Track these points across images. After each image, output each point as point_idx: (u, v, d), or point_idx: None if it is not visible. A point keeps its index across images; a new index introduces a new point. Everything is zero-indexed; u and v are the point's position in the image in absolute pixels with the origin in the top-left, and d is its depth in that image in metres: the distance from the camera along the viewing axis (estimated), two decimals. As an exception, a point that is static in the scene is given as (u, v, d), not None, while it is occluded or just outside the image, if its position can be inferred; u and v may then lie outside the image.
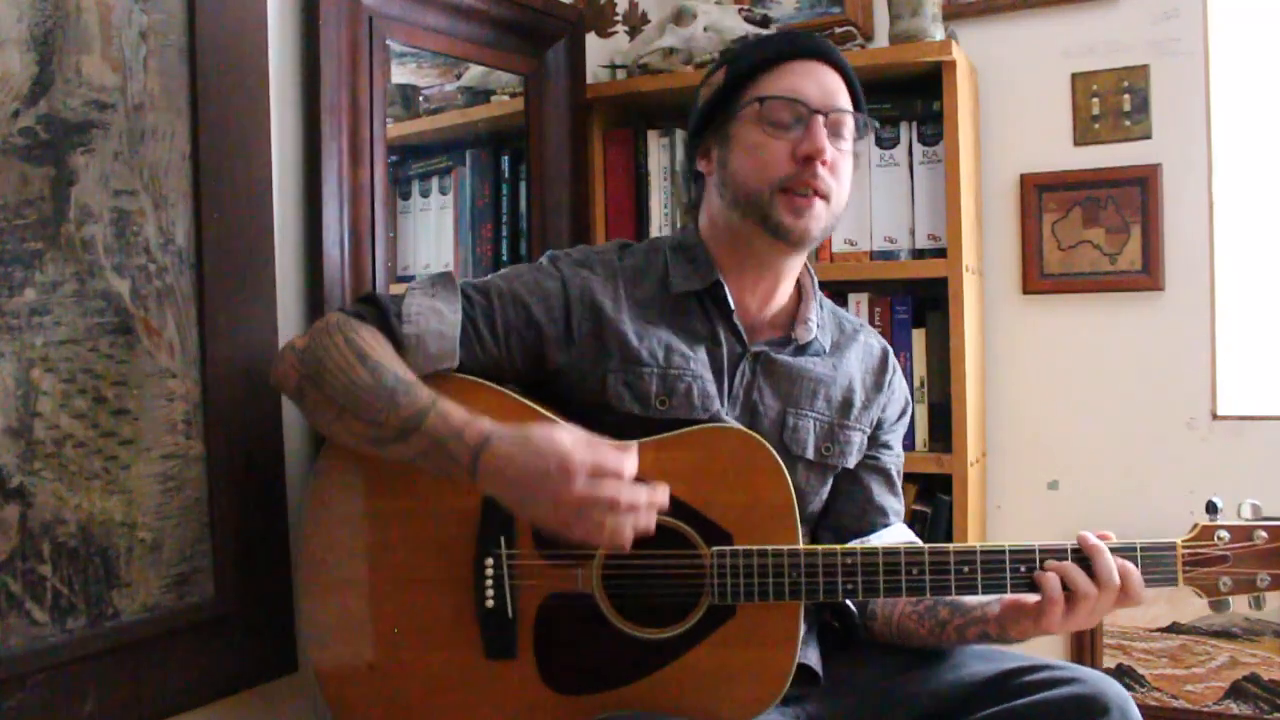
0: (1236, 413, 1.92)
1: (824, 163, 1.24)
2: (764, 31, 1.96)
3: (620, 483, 1.05)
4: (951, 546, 1.16)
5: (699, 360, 1.28)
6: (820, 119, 1.25)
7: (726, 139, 1.30)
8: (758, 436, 1.21)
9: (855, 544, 1.25)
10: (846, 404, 1.35)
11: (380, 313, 1.23)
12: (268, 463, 1.40)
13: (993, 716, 1.16)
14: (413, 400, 1.13)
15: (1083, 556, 1.14)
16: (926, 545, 1.18)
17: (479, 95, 1.91)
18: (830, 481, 1.36)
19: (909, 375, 1.89)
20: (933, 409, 1.89)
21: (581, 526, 1.05)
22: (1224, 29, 1.91)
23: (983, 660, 1.24)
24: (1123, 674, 1.97)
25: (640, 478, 1.10)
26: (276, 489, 1.41)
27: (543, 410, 1.23)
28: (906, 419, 1.45)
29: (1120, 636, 1.98)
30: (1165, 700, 1.94)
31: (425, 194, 1.86)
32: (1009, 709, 1.15)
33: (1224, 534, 1.13)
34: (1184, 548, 1.14)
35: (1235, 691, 1.89)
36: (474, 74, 1.87)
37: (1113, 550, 1.13)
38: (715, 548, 1.18)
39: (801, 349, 1.34)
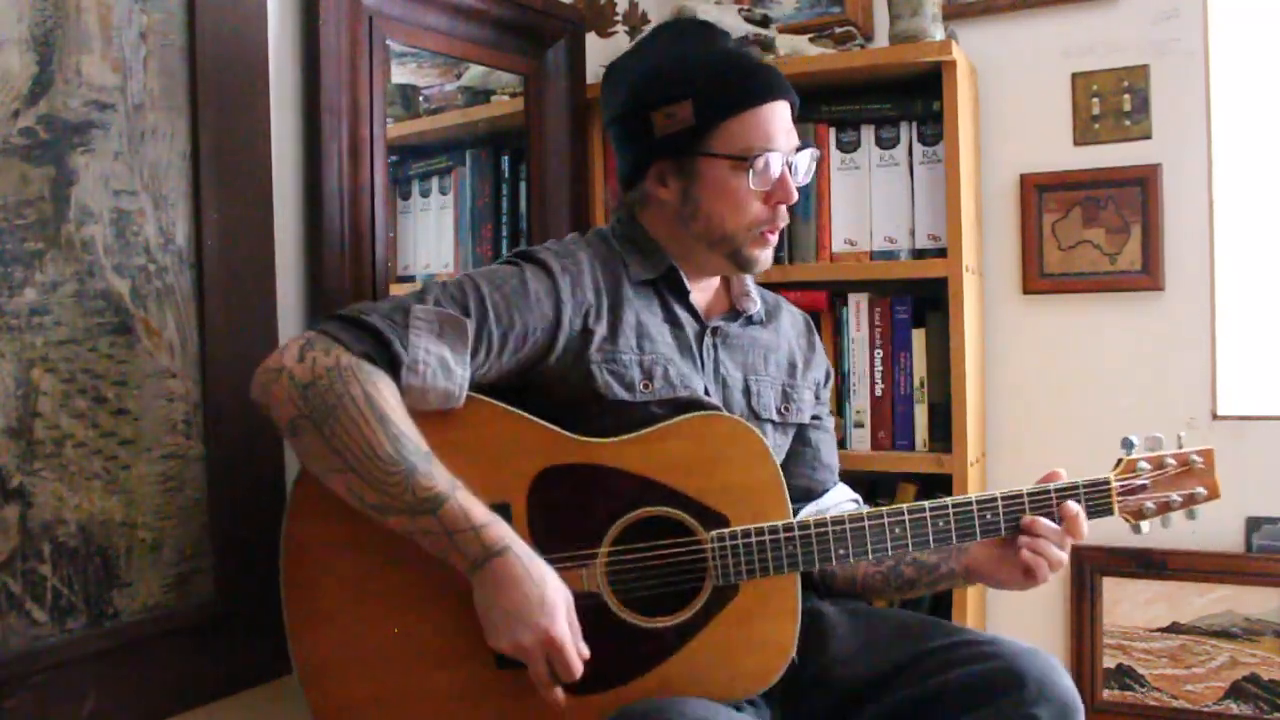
0: (1236, 413, 1.92)
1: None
2: (764, 32, 1.96)
3: (569, 672, 1.14)
4: (926, 503, 1.26)
5: (666, 343, 1.33)
6: (787, 164, 1.33)
7: (693, 174, 1.32)
8: (742, 421, 1.28)
9: (813, 508, 1.42)
10: (792, 366, 1.46)
11: (389, 356, 1.15)
12: (268, 463, 1.40)
13: (911, 698, 1.23)
14: (433, 482, 1.12)
15: (1044, 498, 1.26)
16: (905, 505, 1.26)
17: (479, 95, 1.91)
18: (790, 440, 1.45)
19: (909, 375, 1.89)
20: (933, 409, 1.89)
21: (520, 660, 1.15)
22: (1224, 29, 1.91)
23: (905, 637, 1.30)
24: (1123, 674, 1.97)
25: (637, 475, 1.22)
26: (276, 489, 1.41)
27: (540, 421, 1.23)
28: (832, 380, 1.58)
29: (1120, 636, 1.98)
30: (1165, 700, 1.94)
31: (425, 194, 1.86)
32: (927, 687, 1.22)
33: (1145, 464, 1.29)
34: (1116, 480, 1.28)
35: (1235, 691, 1.89)
36: (474, 74, 1.87)
37: (1058, 490, 1.26)
38: (714, 531, 1.22)
39: (748, 321, 1.43)
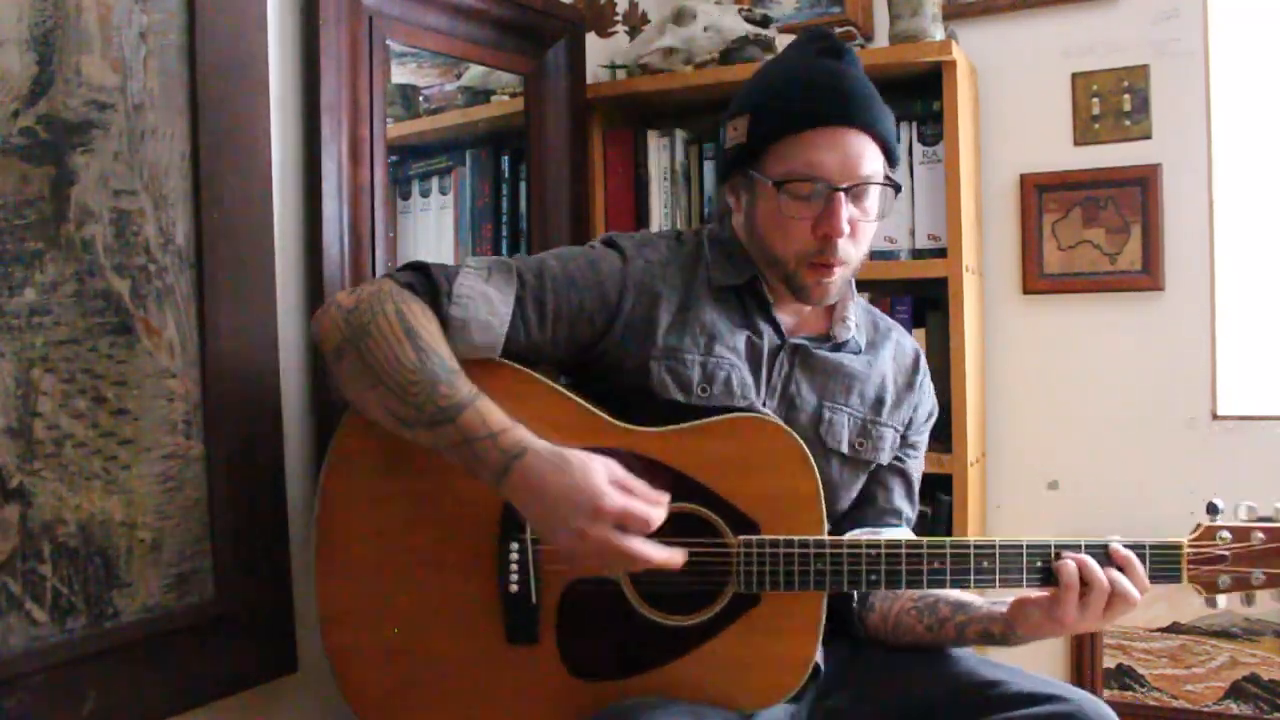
0: (1236, 413, 1.92)
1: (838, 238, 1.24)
2: (764, 33, 1.96)
3: (643, 541, 1.08)
4: (971, 540, 1.19)
5: (737, 350, 1.29)
6: (841, 195, 1.23)
7: (752, 192, 1.30)
8: (786, 427, 1.22)
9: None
10: (879, 401, 1.36)
11: (431, 287, 1.20)
12: (268, 463, 1.40)
13: None
14: (453, 391, 1.12)
15: (1100, 552, 1.16)
16: (947, 539, 1.20)
17: (479, 95, 1.91)
18: (863, 478, 1.36)
19: (909, 375, 1.89)
20: (933, 409, 1.88)
21: (591, 565, 1.11)
22: (1224, 29, 1.91)
23: (963, 668, 1.23)
24: (1123, 674, 1.97)
25: (673, 469, 1.19)
26: (276, 489, 1.41)
27: (584, 403, 1.23)
28: (932, 422, 1.46)
29: (1120, 636, 1.98)
30: (1165, 700, 1.94)
31: (425, 194, 1.86)
32: None
33: (1225, 534, 1.16)
34: (1189, 547, 1.17)
35: (1235, 691, 1.89)
36: (474, 74, 1.87)
37: (1123, 545, 1.16)
38: (742, 536, 1.19)
39: (838, 346, 1.36)
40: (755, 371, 1.30)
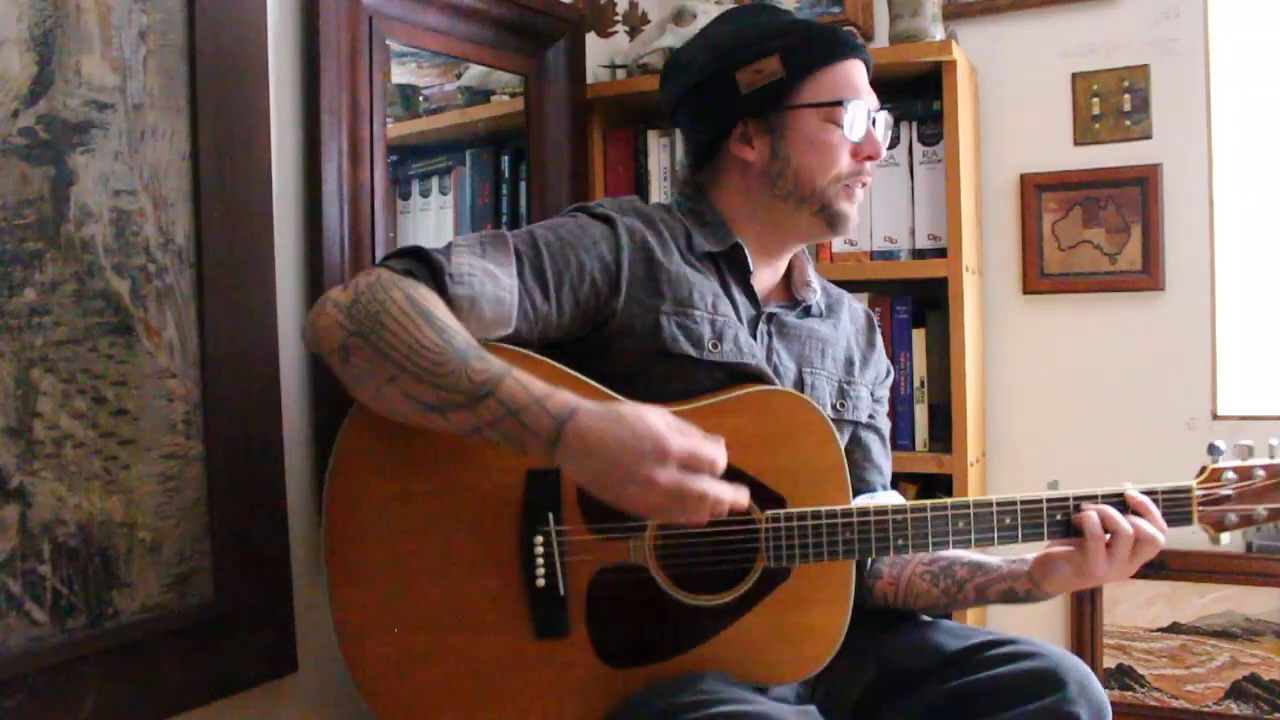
0: (1236, 413, 1.92)
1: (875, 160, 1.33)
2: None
3: (712, 479, 1.05)
4: (994, 498, 1.21)
5: (730, 313, 1.30)
6: (871, 121, 1.32)
7: (782, 129, 1.31)
8: (806, 398, 1.24)
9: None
10: (849, 362, 1.42)
11: (431, 270, 1.15)
12: (268, 463, 1.40)
13: (955, 689, 1.20)
14: (487, 364, 1.07)
15: (1117, 501, 1.19)
16: (970, 497, 1.22)
17: (479, 95, 1.91)
18: (845, 437, 1.38)
19: (909, 375, 1.90)
20: (933, 409, 1.89)
21: (667, 513, 1.06)
22: (1224, 29, 1.91)
23: (950, 635, 1.27)
24: (1123, 674, 1.97)
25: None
26: (276, 489, 1.41)
27: (594, 383, 1.20)
28: (891, 378, 1.52)
29: (1120, 636, 1.98)
30: (1165, 700, 1.94)
31: (425, 194, 1.86)
32: (970, 682, 1.19)
33: (1230, 474, 1.21)
34: (1199, 489, 1.21)
35: (1235, 691, 1.89)
36: (474, 74, 1.87)
37: (1137, 491, 1.20)
38: (769, 511, 1.19)
39: (805, 310, 1.40)
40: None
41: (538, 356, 1.21)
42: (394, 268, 1.15)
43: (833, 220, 1.32)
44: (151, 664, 1.24)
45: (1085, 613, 1.99)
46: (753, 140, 1.33)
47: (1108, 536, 1.17)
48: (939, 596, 1.30)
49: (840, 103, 1.29)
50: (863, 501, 1.34)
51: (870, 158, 1.32)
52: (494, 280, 1.17)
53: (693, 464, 1.04)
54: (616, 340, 1.26)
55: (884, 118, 1.35)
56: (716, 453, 1.05)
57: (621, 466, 1.03)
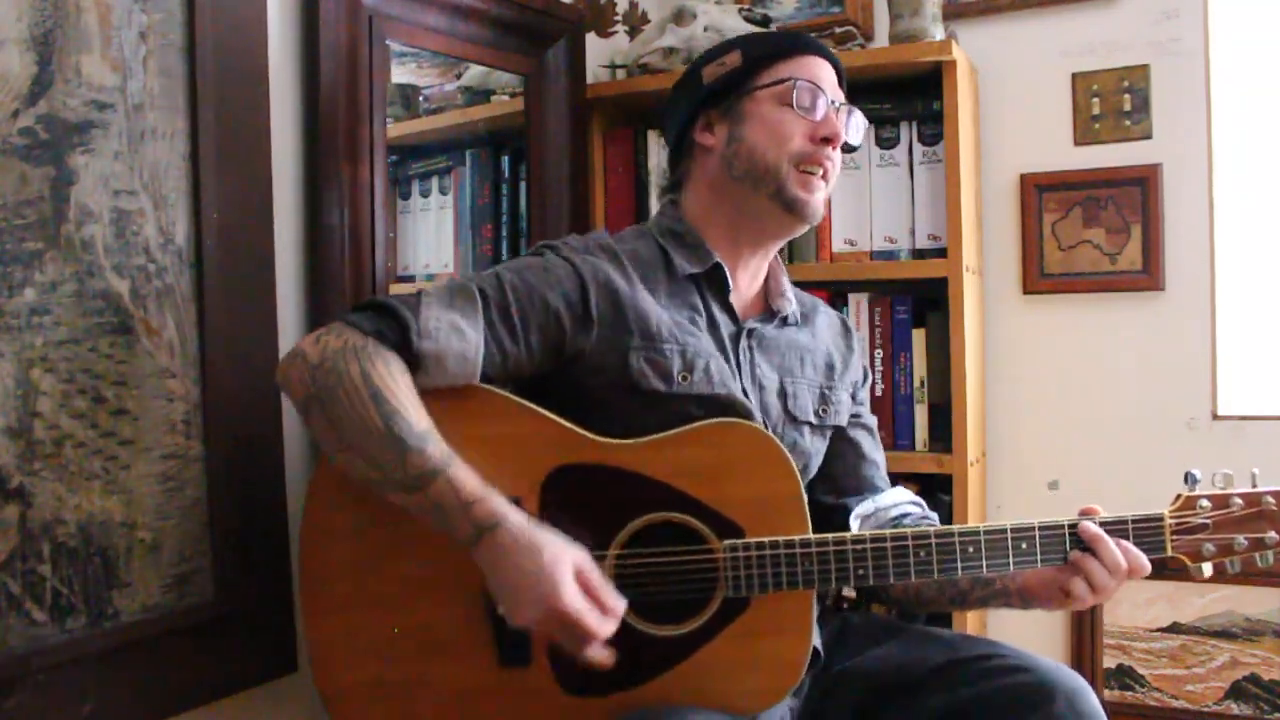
0: (1236, 413, 1.92)
1: (834, 145, 1.33)
2: (765, 32, 1.96)
3: (588, 640, 1.10)
4: (955, 528, 1.21)
5: (705, 340, 1.32)
6: (833, 107, 1.34)
7: (739, 115, 1.34)
8: (764, 430, 1.25)
9: (870, 504, 1.39)
10: (830, 367, 1.44)
11: (398, 326, 1.18)
12: (268, 463, 1.40)
13: (945, 704, 1.22)
14: (424, 460, 1.11)
15: (1072, 532, 1.21)
16: (931, 529, 1.22)
17: (479, 95, 1.91)
18: (828, 441, 1.43)
19: (909, 375, 1.89)
20: (933, 409, 1.88)
21: (545, 634, 1.13)
22: (1224, 29, 1.91)
23: (941, 647, 1.29)
24: (1123, 674, 1.97)
25: (652, 479, 1.20)
26: (276, 489, 1.41)
27: (558, 419, 1.22)
28: (869, 381, 1.55)
29: (1120, 636, 1.98)
30: (1165, 700, 1.94)
31: (425, 194, 1.86)
32: (959, 696, 1.21)
33: (1205, 502, 1.20)
34: (1171, 518, 1.21)
35: (1235, 691, 1.89)
36: (474, 74, 1.87)
37: (1104, 524, 1.21)
38: (727, 541, 1.20)
39: (783, 321, 1.42)
40: (726, 359, 1.32)
41: (502, 393, 1.23)
42: (364, 328, 1.17)
43: (789, 205, 1.32)
44: (151, 664, 1.25)
45: (1085, 613, 1.99)
46: (714, 127, 1.37)
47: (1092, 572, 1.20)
48: (948, 604, 1.37)
49: (790, 80, 1.32)
50: (872, 503, 1.40)
51: (828, 140, 1.32)
52: (459, 335, 1.19)
53: (574, 630, 1.09)
54: (589, 378, 1.28)
55: (855, 114, 1.37)
56: (601, 629, 1.10)
57: (519, 593, 1.10)
